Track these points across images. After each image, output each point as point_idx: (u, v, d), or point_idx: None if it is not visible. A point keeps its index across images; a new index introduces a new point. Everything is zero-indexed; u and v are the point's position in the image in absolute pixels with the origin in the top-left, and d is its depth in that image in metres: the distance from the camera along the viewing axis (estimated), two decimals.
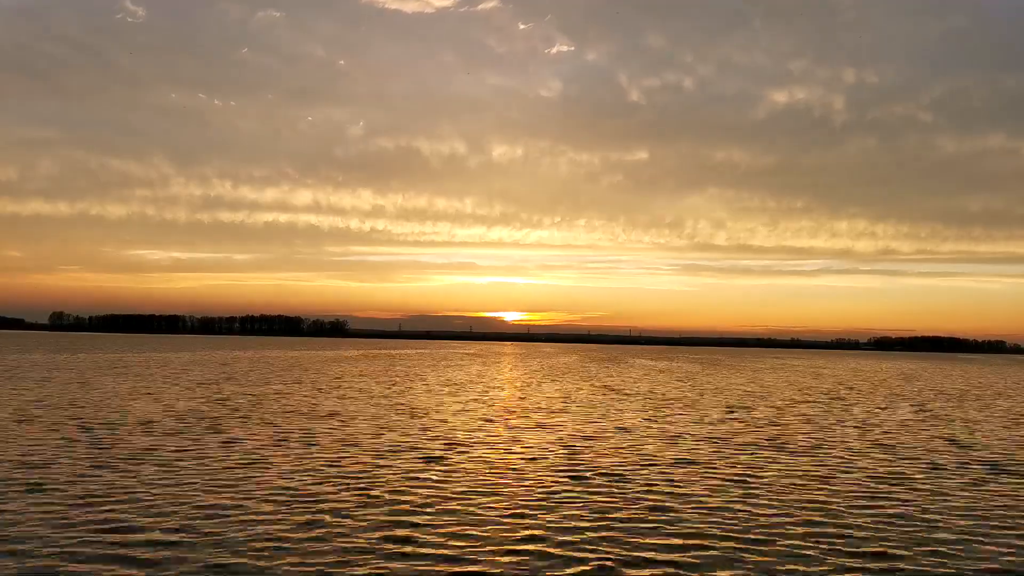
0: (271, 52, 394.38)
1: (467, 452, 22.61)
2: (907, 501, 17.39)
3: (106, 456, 20.30)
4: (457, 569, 11.79)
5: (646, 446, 24.79)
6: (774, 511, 16.00)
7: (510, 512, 15.33)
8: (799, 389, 59.00)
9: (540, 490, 17.49)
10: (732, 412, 37.52)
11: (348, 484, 17.56)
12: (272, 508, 15.10)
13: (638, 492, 17.54)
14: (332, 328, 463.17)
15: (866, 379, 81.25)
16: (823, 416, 36.85)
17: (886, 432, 30.78)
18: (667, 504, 16.41)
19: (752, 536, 13.98)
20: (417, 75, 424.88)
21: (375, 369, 73.86)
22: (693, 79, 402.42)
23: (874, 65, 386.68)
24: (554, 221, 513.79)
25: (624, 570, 11.94)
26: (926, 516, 15.98)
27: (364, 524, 14.12)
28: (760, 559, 12.61)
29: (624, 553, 12.76)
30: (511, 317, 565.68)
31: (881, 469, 21.62)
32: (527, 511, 15.45)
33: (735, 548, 13.20)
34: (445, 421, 30.33)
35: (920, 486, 19.22)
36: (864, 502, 17.17)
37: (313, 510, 15.05)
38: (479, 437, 25.92)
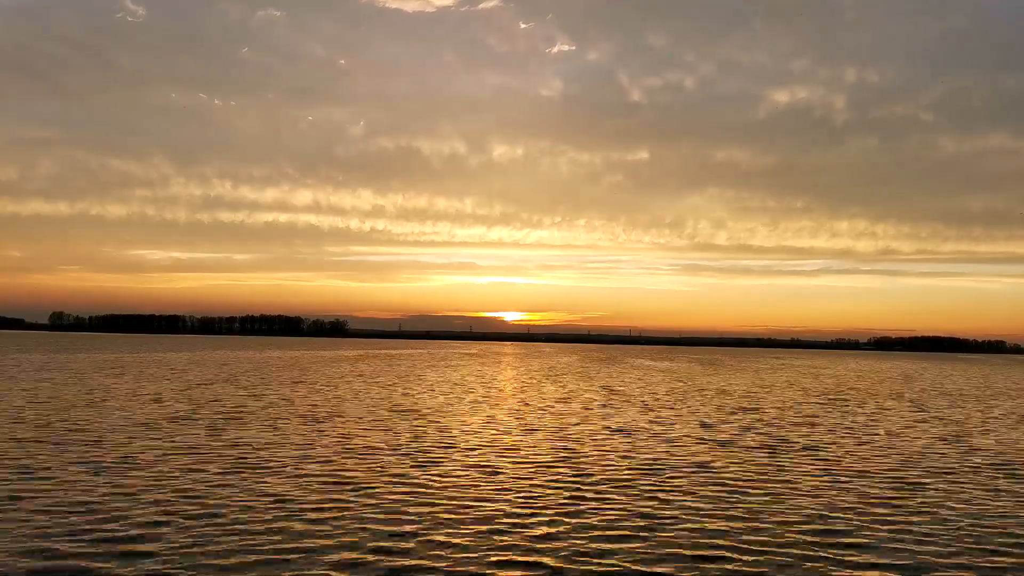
0: (271, 52, 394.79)
1: (465, 453, 22.51)
2: (918, 505, 17.30)
3: (93, 456, 20.24)
4: (453, 569, 11.74)
5: (646, 448, 24.71)
6: (777, 514, 15.93)
7: (507, 515, 15.25)
8: (800, 389, 58.91)
9: (537, 491, 17.40)
10: (733, 414, 37.43)
11: (342, 485, 17.48)
12: (265, 510, 15.02)
13: (637, 494, 17.45)
14: (332, 328, 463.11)
15: (867, 380, 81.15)
16: (826, 418, 36.77)
17: (889, 434, 30.70)
18: (668, 506, 16.32)
19: (753, 540, 13.91)
20: (417, 75, 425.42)
21: (374, 370, 73.78)
22: (694, 79, 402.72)
23: (875, 65, 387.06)
24: (554, 221, 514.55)
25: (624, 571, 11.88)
26: (942, 519, 15.90)
27: (355, 526, 14.05)
28: (762, 562, 12.54)
29: (623, 554, 12.70)
30: (511, 317, 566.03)
31: (888, 473, 21.51)
32: (523, 513, 15.38)
33: (736, 551, 13.12)
34: (442, 422, 30.23)
35: (929, 489, 19.14)
36: (871, 508, 17.05)
37: (310, 511, 14.97)
38: (476, 438, 25.82)
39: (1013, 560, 13.03)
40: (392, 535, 13.49)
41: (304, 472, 18.85)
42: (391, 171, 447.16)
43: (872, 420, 35.72)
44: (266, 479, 17.87)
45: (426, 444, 23.98)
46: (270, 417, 30.13)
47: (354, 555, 12.32)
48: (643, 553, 12.83)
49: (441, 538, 13.36)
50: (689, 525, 14.70)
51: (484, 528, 14.10)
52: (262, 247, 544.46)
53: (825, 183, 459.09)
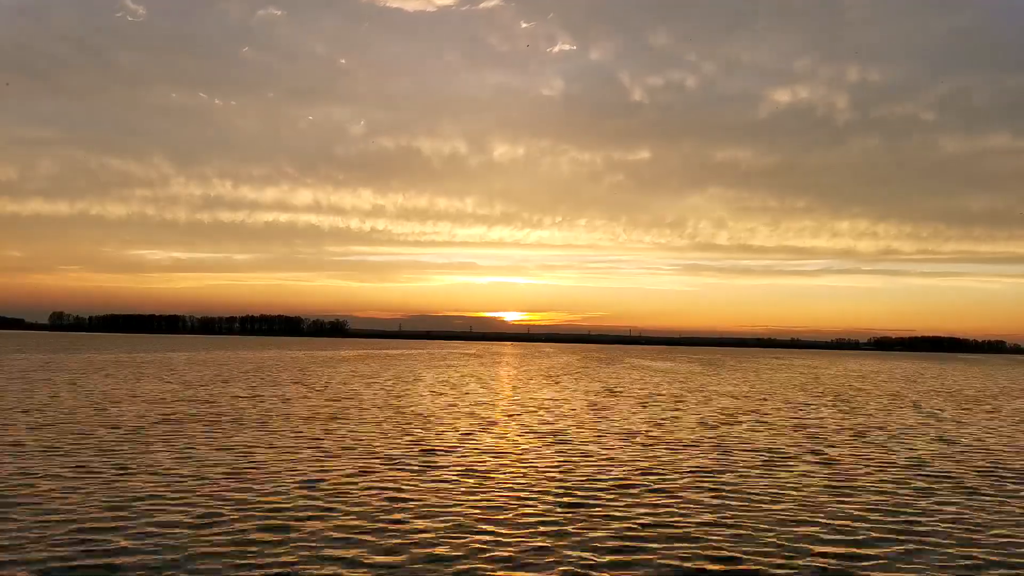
0: (272, 51, 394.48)
1: (461, 454, 22.38)
2: (926, 509, 17.18)
3: (87, 457, 20.12)
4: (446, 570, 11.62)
5: (645, 450, 24.57)
6: (780, 517, 15.79)
7: (501, 518, 15.11)
8: (801, 390, 58.78)
9: (536, 493, 17.26)
10: (734, 415, 37.30)
11: (336, 487, 17.35)
12: (255, 512, 14.89)
13: (637, 496, 17.31)
14: (332, 328, 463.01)
15: (869, 380, 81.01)
16: (828, 419, 36.65)
17: (893, 436, 30.57)
18: (667, 509, 16.19)
19: (755, 543, 13.77)
20: (418, 74, 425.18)
21: (373, 370, 73.66)
22: (696, 78, 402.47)
23: (877, 64, 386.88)
24: (555, 221, 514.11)
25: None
26: (952, 524, 15.77)
27: (346, 529, 13.92)
28: (764, 562, 12.41)
29: (620, 558, 12.57)
30: (511, 317, 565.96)
31: (893, 476, 21.39)
32: (518, 516, 15.24)
33: (738, 554, 12.99)
34: (439, 423, 30.09)
35: (936, 493, 19.00)
36: (879, 515, 16.92)
37: (305, 512, 14.85)
38: (472, 441, 25.67)
39: None
40: (389, 537, 13.36)
41: (295, 474, 18.69)
42: (391, 171, 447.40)
43: (875, 421, 35.57)
44: (260, 481, 17.73)
45: (421, 447, 23.82)
46: (265, 418, 29.98)
47: (349, 555, 12.19)
48: (644, 554, 12.71)
49: (432, 546, 13.22)
50: (689, 530, 14.54)
51: (484, 528, 14.00)
52: (262, 247, 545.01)
53: (827, 183, 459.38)
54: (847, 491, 18.50)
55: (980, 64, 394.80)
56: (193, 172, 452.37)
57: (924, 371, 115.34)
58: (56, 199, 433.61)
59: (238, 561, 11.95)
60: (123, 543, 12.69)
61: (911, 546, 13.79)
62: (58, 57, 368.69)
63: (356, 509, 15.39)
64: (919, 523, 15.51)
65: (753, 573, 12.10)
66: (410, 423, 29.68)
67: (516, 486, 18.05)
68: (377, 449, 22.96)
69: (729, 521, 15.23)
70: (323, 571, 11.63)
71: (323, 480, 18.16)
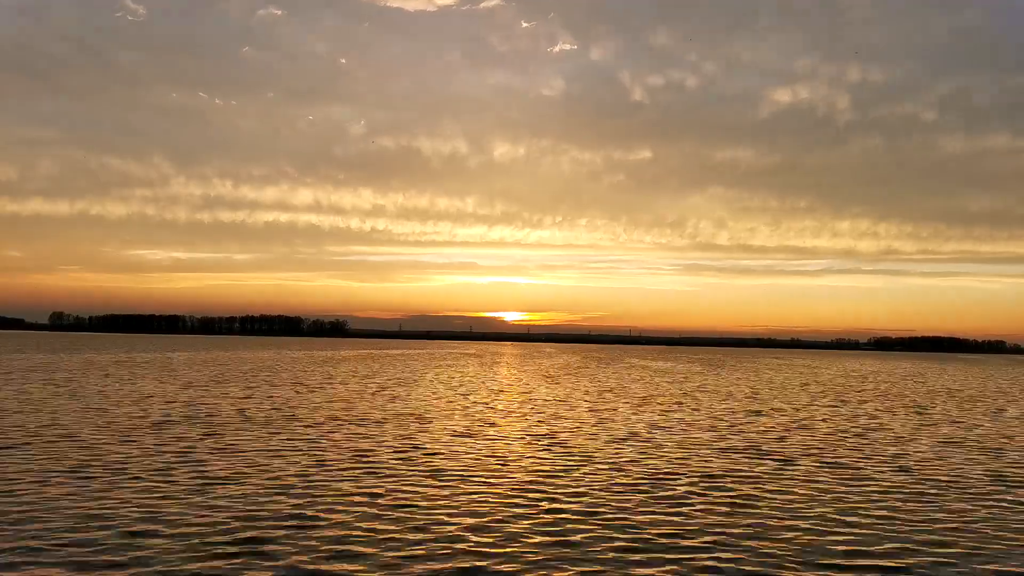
0: (272, 50, 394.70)
1: (461, 454, 22.27)
2: (934, 513, 17.07)
3: (82, 460, 20.02)
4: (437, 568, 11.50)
5: (645, 452, 24.46)
6: (784, 521, 15.68)
7: (501, 519, 15.00)
8: (802, 390, 58.68)
9: (535, 494, 17.17)
10: (735, 416, 37.21)
11: (336, 487, 17.25)
12: (255, 512, 14.79)
13: (636, 499, 17.19)
14: (332, 328, 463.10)
15: (870, 381, 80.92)
16: (829, 420, 36.55)
17: (899, 439, 30.48)
18: (668, 511, 16.07)
19: (757, 547, 13.67)
20: (419, 74, 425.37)
21: (373, 370, 73.56)
22: (696, 78, 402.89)
23: (878, 64, 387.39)
24: (555, 221, 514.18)
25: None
26: (961, 528, 15.67)
27: (346, 530, 13.81)
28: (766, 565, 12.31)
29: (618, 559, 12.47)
30: (512, 317, 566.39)
31: (897, 479, 21.28)
32: (518, 516, 15.14)
33: (740, 558, 12.89)
34: (439, 424, 29.98)
35: (943, 496, 18.89)
36: (880, 515, 16.81)
37: (305, 512, 14.75)
38: (474, 440, 25.57)
39: None
40: (389, 537, 13.26)
41: (295, 473, 18.59)
42: (392, 170, 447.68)
43: (878, 423, 35.46)
44: (260, 481, 17.62)
45: (419, 447, 23.70)
46: (264, 419, 29.87)
47: (324, 560, 12.08)
48: (645, 554, 12.61)
49: (431, 546, 13.11)
50: (690, 532, 14.44)
51: (483, 529, 13.89)
52: (262, 247, 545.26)
53: (827, 183, 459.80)
54: (848, 492, 18.38)
55: (980, 64, 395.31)
56: (193, 172, 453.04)
57: (924, 371, 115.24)
58: (56, 199, 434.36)
59: (236, 562, 11.86)
60: (119, 543, 12.62)
61: (910, 546, 13.70)
62: (58, 57, 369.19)
63: (356, 509, 15.28)
64: (919, 524, 15.42)
65: (760, 575, 12.00)
66: (409, 424, 29.55)
67: (516, 486, 17.92)
68: (375, 450, 22.83)
69: (730, 522, 15.11)
70: (323, 571, 11.54)
71: (323, 480, 18.05)
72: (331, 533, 13.60)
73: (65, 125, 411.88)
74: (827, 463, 22.60)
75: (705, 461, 22.34)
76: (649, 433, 28.49)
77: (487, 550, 12.84)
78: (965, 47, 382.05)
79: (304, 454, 21.70)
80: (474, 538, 13.53)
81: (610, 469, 20.57)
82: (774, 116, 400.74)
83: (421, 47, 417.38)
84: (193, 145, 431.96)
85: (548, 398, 44.01)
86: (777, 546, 13.51)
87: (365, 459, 21.16)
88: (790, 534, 14.35)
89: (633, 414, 35.46)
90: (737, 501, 17.03)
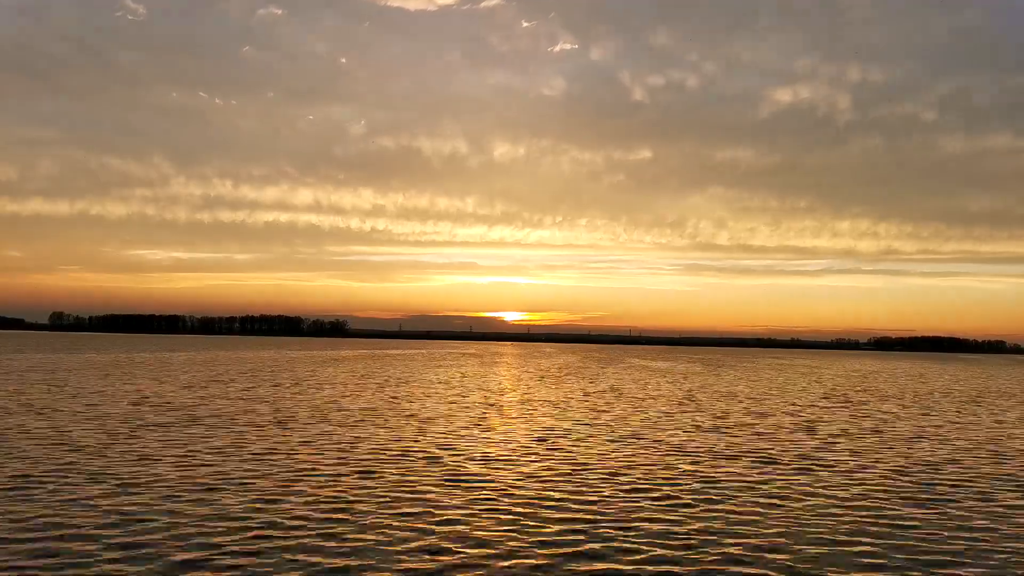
0: (272, 50, 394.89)
1: (460, 455, 22.22)
2: (938, 516, 17.00)
3: (79, 460, 19.96)
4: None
5: (646, 453, 24.40)
6: (785, 523, 15.62)
7: (501, 520, 14.93)
8: (803, 391, 58.62)
9: (534, 496, 17.11)
10: (736, 416, 37.15)
11: (335, 488, 17.18)
12: (254, 513, 14.73)
13: (636, 500, 17.13)
14: (332, 328, 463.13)
15: (871, 381, 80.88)
16: (831, 421, 36.48)
17: (901, 439, 30.41)
18: (668, 513, 16.00)
19: (759, 549, 13.60)
20: (419, 73, 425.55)
21: (372, 370, 73.52)
22: (697, 78, 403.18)
23: (878, 64, 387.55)
24: (555, 221, 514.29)
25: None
26: (968, 531, 15.61)
27: (346, 529, 13.75)
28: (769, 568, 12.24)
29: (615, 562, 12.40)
30: (512, 317, 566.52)
31: (900, 480, 21.22)
32: (517, 517, 15.08)
33: (741, 561, 12.82)
34: (438, 424, 29.91)
35: (949, 498, 18.83)
36: (883, 517, 16.74)
37: (304, 512, 14.69)
38: (473, 441, 25.51)
39: None
40: (389, 538, 13.19)
41: (288, 476, 18.54)
42: (392, 170, 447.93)
43: (876, 422, 35.40)
44: (258, 482, 17.56)
45: (419, 448, 23.63)
46: (264, 420, 29.82)
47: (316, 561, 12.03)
48: (647, 552, 12.54)
49: (431, 546, 13.04)
50: (692, 532, 14.37)
51: (483, 529, 13.82)
52: (262, 247, 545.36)
53: (827, 183, 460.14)
54: (850, 493, 18.32)
55: (980, 64, 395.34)
56: (193, 172, 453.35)
57: (925, 371, 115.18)
58: (56, 199, 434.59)
59: (236, 562, 11.79)
60: (117, 545, 12.55)
61: (914, 546, 13.64)
62: (58, 57, 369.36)
63: (356, 510, 15.22)
64: (920, 525, 15.35)
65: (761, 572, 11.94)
66: (409, 424, 29.49)
67: (516, 486, 17.86)
68: (375, 450, 22.77)
69: (731, 522, 15.05)
70: (323, 571, 11.47)
71: (322, 481, 17.99)
72: (331, 533, 13.54)
73: (65, 125, 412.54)
74: (827, 464, 22.53)
75: (705, 461, 22.28)
76: (649, 433, 28.42)
77: (487, 550, 12.78)
78: (965, 47, 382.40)
79: (303, 454, 21.65)
80: (474, 538, 13.47)
81: (610, 469, 20.50)
82: (774, 116, 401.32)
83: (421, 47, 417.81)
84: (193, 145, 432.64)
85: (548, 398, 43.93)
86: (778, 546, 13.46)
87: (365, 459, 21.09)
88: (791, 534, 14.29)
89: (633, 414, 35.38)
90: (737, 502, 16.97)
